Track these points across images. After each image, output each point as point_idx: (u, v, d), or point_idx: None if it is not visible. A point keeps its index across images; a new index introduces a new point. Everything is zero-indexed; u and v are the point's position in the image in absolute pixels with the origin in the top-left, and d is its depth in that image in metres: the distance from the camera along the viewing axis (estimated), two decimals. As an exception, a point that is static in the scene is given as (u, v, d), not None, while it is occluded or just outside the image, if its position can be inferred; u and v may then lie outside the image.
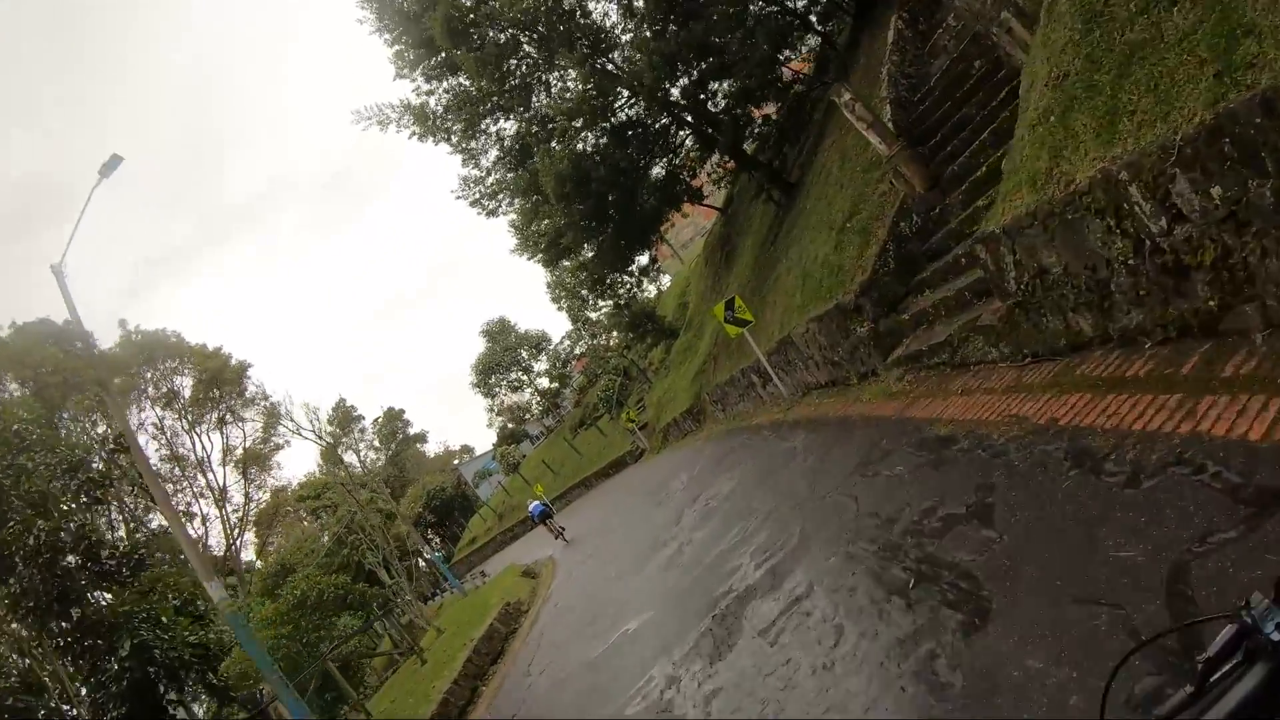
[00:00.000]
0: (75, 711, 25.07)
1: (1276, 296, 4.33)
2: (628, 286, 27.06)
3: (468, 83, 22.57)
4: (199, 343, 61.62)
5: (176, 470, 56.04)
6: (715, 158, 26.71)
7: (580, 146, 20.14)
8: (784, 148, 23.26)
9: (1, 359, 31.96)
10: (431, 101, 23.53)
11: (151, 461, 55.35)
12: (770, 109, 24.33)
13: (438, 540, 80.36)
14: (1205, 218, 4.47)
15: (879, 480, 7.02)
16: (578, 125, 20.11)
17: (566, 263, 23.38)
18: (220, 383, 57.15)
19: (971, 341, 8.18)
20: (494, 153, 24.59)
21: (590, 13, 21.05)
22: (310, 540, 52.27)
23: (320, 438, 41.96)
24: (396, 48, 22.60)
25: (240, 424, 58.29)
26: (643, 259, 27.26)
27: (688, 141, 26.84)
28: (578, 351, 54.80)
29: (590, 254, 23.65)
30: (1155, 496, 3.68)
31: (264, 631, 22.58)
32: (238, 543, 56.54)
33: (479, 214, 25.65)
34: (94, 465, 33.89)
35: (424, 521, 72.73)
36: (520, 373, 58.91)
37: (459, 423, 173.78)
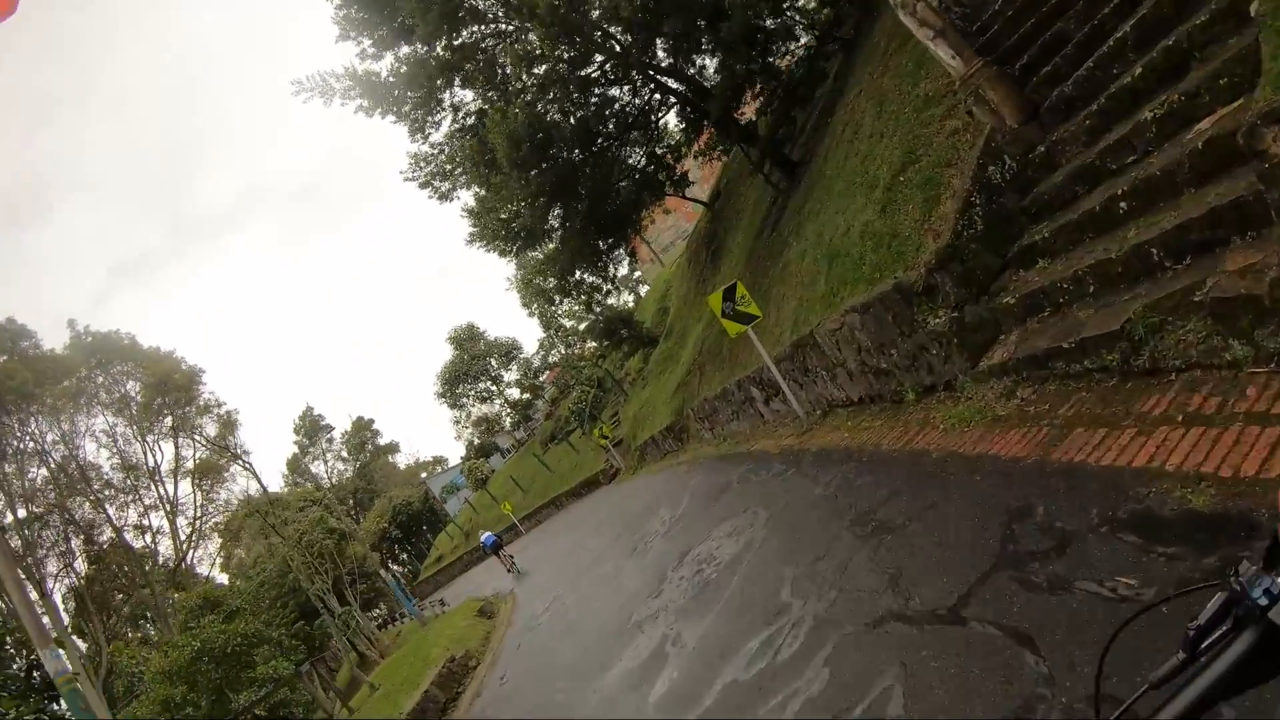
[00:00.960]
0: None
1: None
2: (600, 286, 23.38)
3: (422, 49, 19.05)
4: (151, 346, 57.53)
5: (130, 480, 51.79)
6: (703, 137, 23.29)
7: (543, 109, 16.52)
8: (789, 115, 19.80)
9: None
10: (383, 70, 19.97)
11: (103, 470, 51.33)
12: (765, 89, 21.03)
13: (405, 557, 76.29)
14: None
15: (1068, 600, 3.47)
16: (538, 76, 16.54)
17: (534, 254, 19.81)
18: (169, 388, 52.89)
19: (1180, 329, 4.69)
20: (448, 124, 20.99)
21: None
22: (259, 563, 48.04)
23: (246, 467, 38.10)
24: (343, 9, 18.99)
25: (191, 434, 54.04)
26: (619, 254, 23.64)
27: (672, 119, 23.43)
28: (550, 360, 51.18)
29: (555, 243, 20.00)
30: None
31: (157, 689, 18.72)
32: (189, 557, 52.24)
33: (431, 197, 21.94)
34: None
35: (390, 537, 68.57)
36: (489, 383, 55.08)
37: (432, 433, 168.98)
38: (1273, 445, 3.54)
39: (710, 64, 19.59)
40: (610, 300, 34.58)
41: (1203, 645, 1.00)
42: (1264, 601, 0.96)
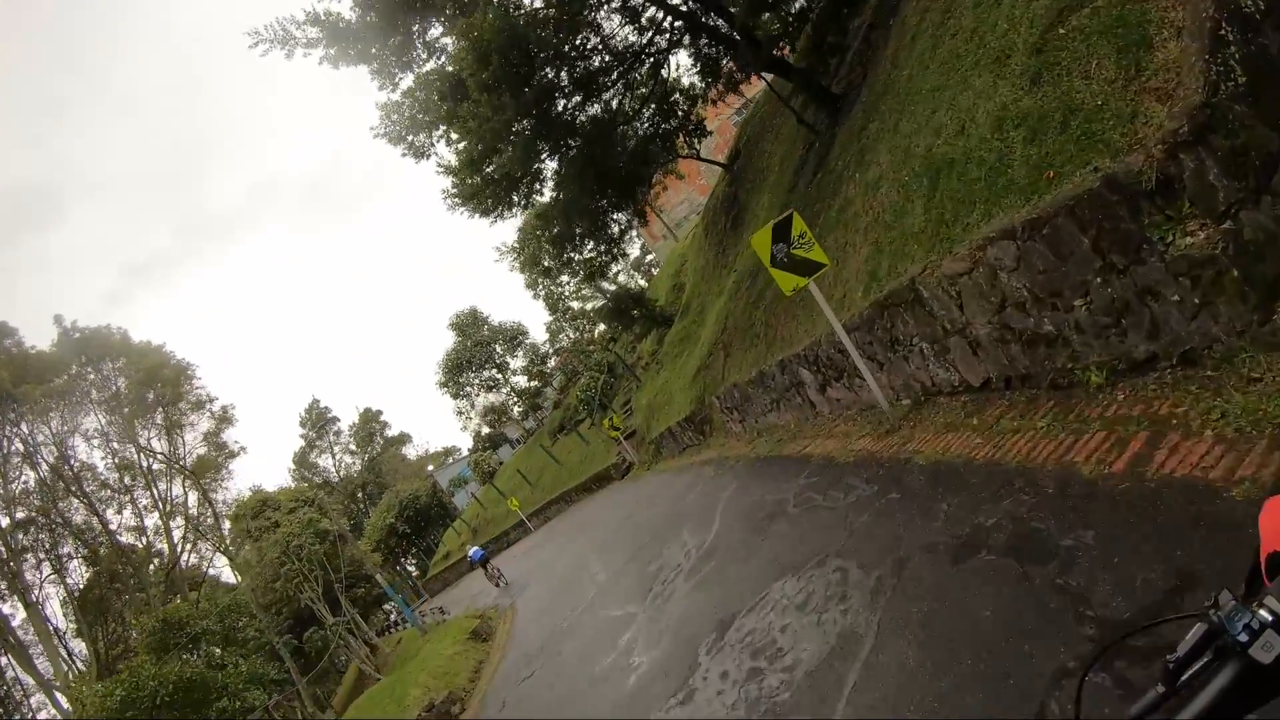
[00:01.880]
0: None
1: None
2: (603, 255, 19.93)
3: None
4: (143, 341, 54.70)
5: (123, 481, 49.09)
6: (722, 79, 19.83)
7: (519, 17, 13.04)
8: (823, 45, 16.31)
9: None
10: (346, 8, 16.67)
11: (99, 471, 48.62)
12: None
13: (414, 551, 73.51)
14: None
15: None
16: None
17: (517, 210, 16.47)
18: (155, 382, 50.02)
19: None
20: (422, 66, 17.60)
21: None
22: (247, 567, 45.11)
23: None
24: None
25: (179, 431, 51.23)
26: (623, 217, 20.21)
27: (685, 57, 20.02)
28: (559, 345, 47.95)
29: (549, 198, 16.60)
30: None
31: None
32: (187, 558, 49.52)
33: (404, 155, 18.52)
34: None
35: (398, 533, 65.69)
36: (494, 370, 51.82)
37: (443, 425, 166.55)
38: None
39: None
40: (616, 273, 31.33)
41: (1183, 678, 0.98)
42: (1244, 638, 0.94)
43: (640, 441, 26.77)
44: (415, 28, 17.24)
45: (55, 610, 46.43)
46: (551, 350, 50.29)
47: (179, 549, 48.60)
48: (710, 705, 5.23)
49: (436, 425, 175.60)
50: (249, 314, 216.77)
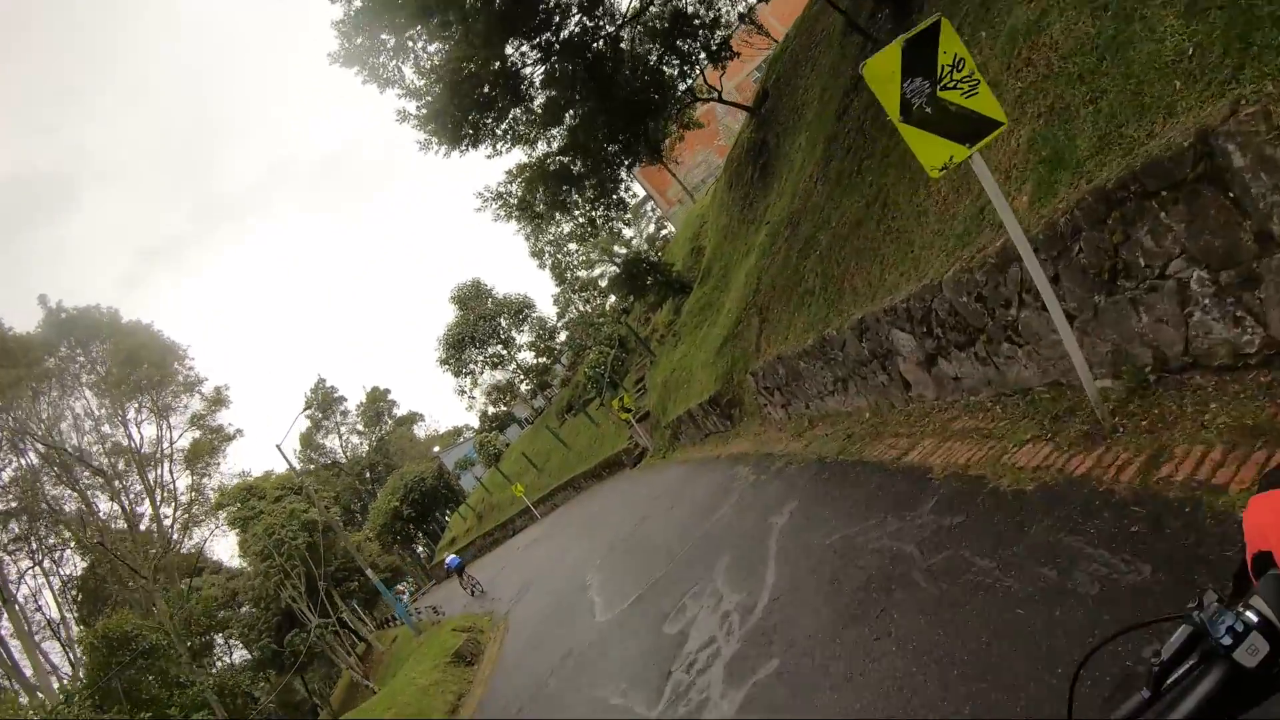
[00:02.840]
0: None
1: None
2: (607, 201, 16.32)
3: None
4: (131, 320, 51.60)
5: (112, 466, 46.18)
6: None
7: None
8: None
9: None
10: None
11: (91, 456, 45.78)
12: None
13: (421, 536, 70.76)
14: None
15: None
16: None
17: (488, 146, 13.00)
18: (137, 362, 46.89)
19: None
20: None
21: None
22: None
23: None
24: None
25: (168, 415, 48.11)
26: (631, 161, 16.58)
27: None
28: (567, 318, 44.42)
29: (536, 117, 13.02)
30: None
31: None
32: (182, 544, 46.65)
33: (365, 81, 14.98)
34: None
35: (403, 516, 62.77)
36: (499, 346, 48.37)
37: (453, 404, 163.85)
38: None
39: None
40: (630, 239, 27.79)
41: (1168, 681, 0.96)
42: (1228, 641, 0.92)
43: (655, 425, 23.35)
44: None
45: (49, 602, 43.99)
46: (560, 324, 46.78)
47: (171, 536, 45.78)
48: None
49: (449, 405, 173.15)
50: (261, 295, 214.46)
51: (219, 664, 32.75)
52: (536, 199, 14.82)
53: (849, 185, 10.75)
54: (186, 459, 48.68)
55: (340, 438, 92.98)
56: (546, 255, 44.70)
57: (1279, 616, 0.92)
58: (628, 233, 42.86)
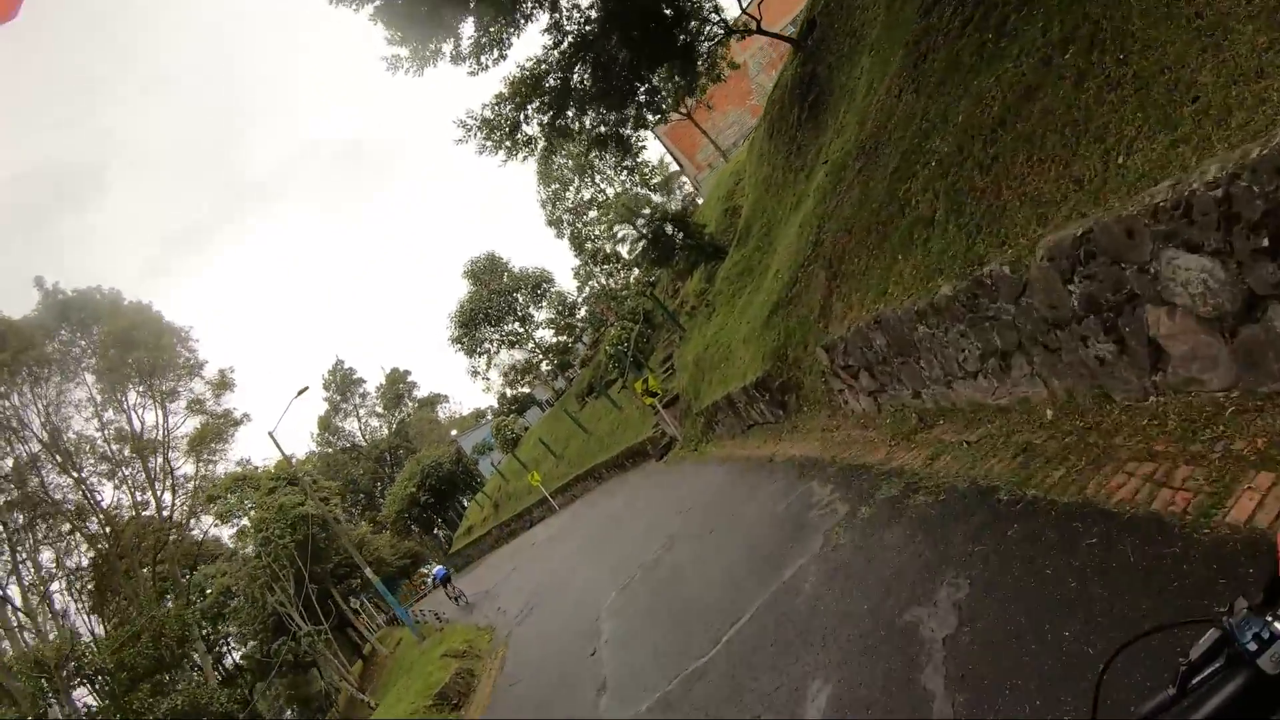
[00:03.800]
0: None
1: None
2: (620, 133, 12.79)
3: None
4: (135, 300, 48.75)
5: (126, 451, 43.57)
6: None
7: None
8: None
9: None
10: None
11: (97, 443, 43.20)
12: None
13: (439, 522, 67.85)
14: None
15: None
16: None
17: (462, 55, 9.63)
18: (132, 344, 43.99)
19: None
20: None
21: None
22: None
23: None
24: None
25: (165, 399, 45.28)
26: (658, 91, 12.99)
27: None
28: (587, 292, 40.87)
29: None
30: None
31: None
32: (179, 534, 44.06)
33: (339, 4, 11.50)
34: None
35: (420, 503, 59.92)
36: (516, 323, 44.90)
37: (473, 386, 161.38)
38: None
39: None
40: (657, 206, 24.30)
41: (1194, 682, 0.97)
42: (1253, 647, 0.93)
43: (684, 411, 19.89)
44: None
45: (58, 588, 41.84)
46: (580, 299, 43.28)
47: (171, 525, 43.15)
48: None
49: (473, 388, 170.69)
50: (280, 281, 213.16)
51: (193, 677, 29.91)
52: (529, 116, 11.36)
53: (973, 68, 7.18)
54: (191, 445, 46.07)
55: (359, 421, 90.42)
56: (564, 224, 41.26)
57: None
58: (655, 199, 39.18)
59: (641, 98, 12.59)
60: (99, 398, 44.00)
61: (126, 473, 43.69)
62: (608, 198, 37.25)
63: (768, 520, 7.77)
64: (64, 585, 41.16)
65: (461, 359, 53.31)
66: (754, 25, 21.13)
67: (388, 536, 47.16)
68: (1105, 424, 4.50)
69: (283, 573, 25.62)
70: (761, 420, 13.19)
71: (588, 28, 11.22)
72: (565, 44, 11.43)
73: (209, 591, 32.27)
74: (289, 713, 33.29)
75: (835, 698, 4.02)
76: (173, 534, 43.07)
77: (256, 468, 37.85)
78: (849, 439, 8.65)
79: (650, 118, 14.28)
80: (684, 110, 34.16)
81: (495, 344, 46.07)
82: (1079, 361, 4.67)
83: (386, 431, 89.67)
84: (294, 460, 30.71)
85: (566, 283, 65.58)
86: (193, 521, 45.02)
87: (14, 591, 35.84)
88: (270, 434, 25.13)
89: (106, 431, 43.69)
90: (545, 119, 11.43)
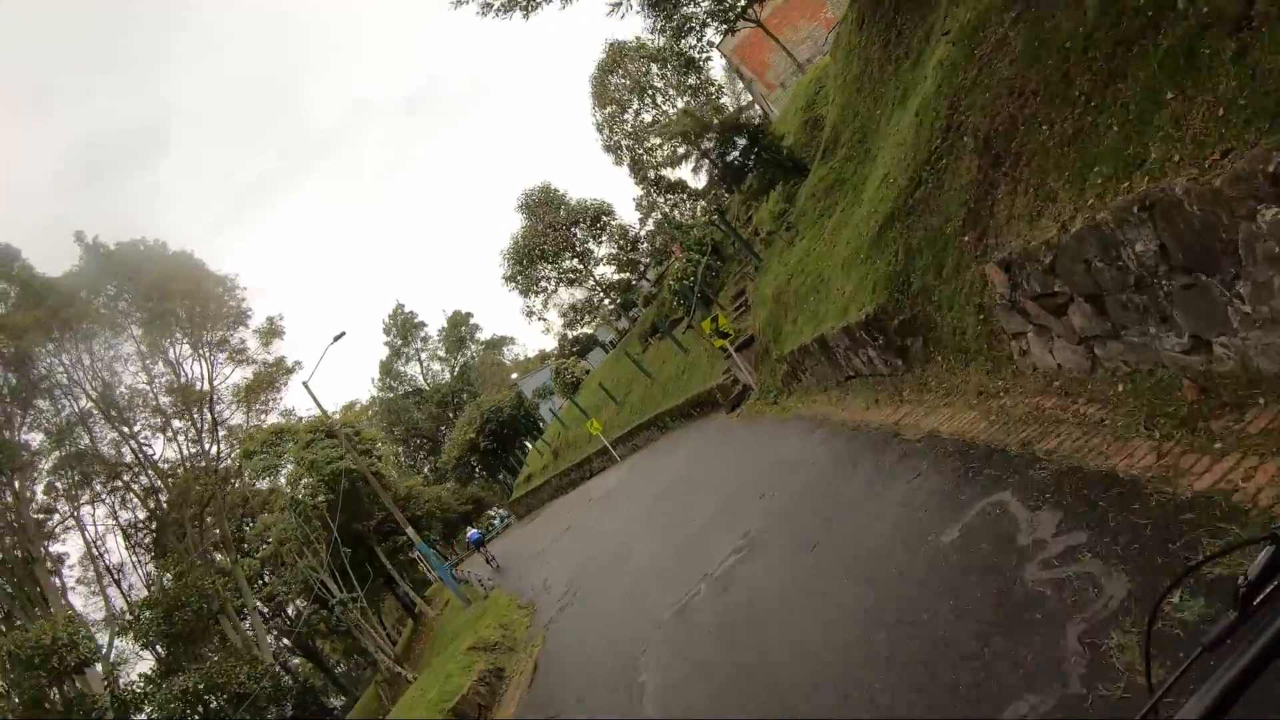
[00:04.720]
0: None
1: None
2: None
3: None
4: (180, 250, 46.73)
5: (179, 403, 42.35)
6: None
7: None
8: None
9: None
10: None
11: (152, 398, 42.10)
12: None
13: (501, 470, 66.24)
14: None
15: None
16: None
17: None
18: (171, 295, 41.79)
19: None
20: None
21: None
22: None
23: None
24: None
25: (211, 350, 43.41)
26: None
27: None
28: (650, 224, 37.45)
29: None
30: None
31: None
32: (230, 483, 42.99)
33: None
34: None
35: (480, 449, 58.17)
36: (574, 259, 41.75)
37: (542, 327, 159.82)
38: None
39: None
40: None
41: (1255, 601, 0.92)
42: None
43: (761, 355, 16.64)
44: None
45: (116, 544, 41.34)
46: (642, 232, 39.88)
47: (218, 476, 41.89)
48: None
49: (536, 329, 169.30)
50: (344, 232, 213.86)
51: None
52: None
53: None
54: (241, 394, 44.30)
55: (421, 365, 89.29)
56: (623, 150, 37.69)
57: None
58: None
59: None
60: (145, 350, 42.52)
61: (178, 425, 42.44)
62: (670, 120, 33.81)
63: (927, 562, 4.56)
64: (120, 540, 40.47)
65: (517, 299, 50.40)
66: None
67: (448, 485, 45.11)
68: None
69: (314, 535, 23.52)
70: (870, 371, 9.89)
71: None
72: None
73: (266, 545, 30.85)
74: (340, 667, 31.88)
75: None
76: (227, 486, 41.91)
77: (301, 419, 35.85)
78: (1038, 413, 5.38)
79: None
80: (753, 15, 30.11)
81: (553, 282, 43.11)
82: None
83: (449, 375, 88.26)
84: (333, 414, 28.50)
85: (628, 214, 62.04)
86: (245, 473, 43.95)
87: (73, 547, 35.04)
88: (305, 384, 22.89)
89: (155, 384, 42.30)
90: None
